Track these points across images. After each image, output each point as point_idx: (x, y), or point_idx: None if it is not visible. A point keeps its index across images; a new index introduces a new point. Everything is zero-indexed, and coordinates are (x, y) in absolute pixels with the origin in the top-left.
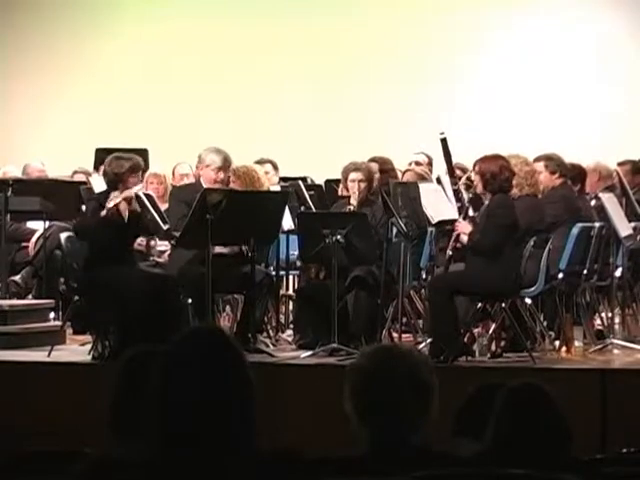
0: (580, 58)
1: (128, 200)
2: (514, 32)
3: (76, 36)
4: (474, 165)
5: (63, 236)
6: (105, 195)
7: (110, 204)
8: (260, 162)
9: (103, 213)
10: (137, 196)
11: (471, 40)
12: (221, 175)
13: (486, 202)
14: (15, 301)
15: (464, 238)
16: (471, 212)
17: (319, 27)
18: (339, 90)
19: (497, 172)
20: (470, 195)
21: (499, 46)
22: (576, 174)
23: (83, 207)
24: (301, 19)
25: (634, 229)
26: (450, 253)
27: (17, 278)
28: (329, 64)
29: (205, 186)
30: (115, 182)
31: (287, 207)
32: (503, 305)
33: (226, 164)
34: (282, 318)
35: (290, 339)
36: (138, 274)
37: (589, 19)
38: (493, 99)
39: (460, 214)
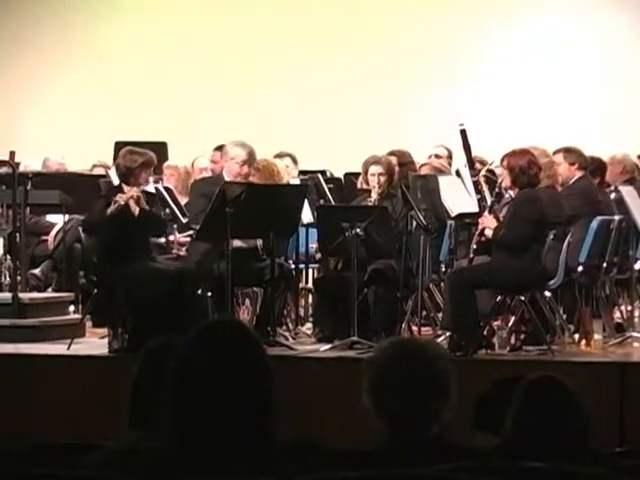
0: (594, 52)
1: (135, 199)
2: (533, 27)
3: (92, 27)
4: (502, 160)
5: None
6: (116, 190)
7: (116, 203)
8: (279, 155)
9: (110, 209)
10: (156, 190)
11: (489, 36)
12: (245, 169)
13: (507, 195)
14: (35, 294)
15: (489, 232)
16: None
17: (339, 20)
18: (359, 84)
19: (526, 167)
20: (496, 190)
21: (517, 41)
22: (596, 167)
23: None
24: (320, 11)
25: None
26: (474, 247)
27: (37, 271)
28: (350, 57)
29: (228, 179)
30: (127, 176)
31: (306, 200)
32: (523, 298)
33: (251, 158)
34: (301, 311)
35: (309, 332)
36: (156, 267)
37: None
38: (511, 94)
39: (480, 207)
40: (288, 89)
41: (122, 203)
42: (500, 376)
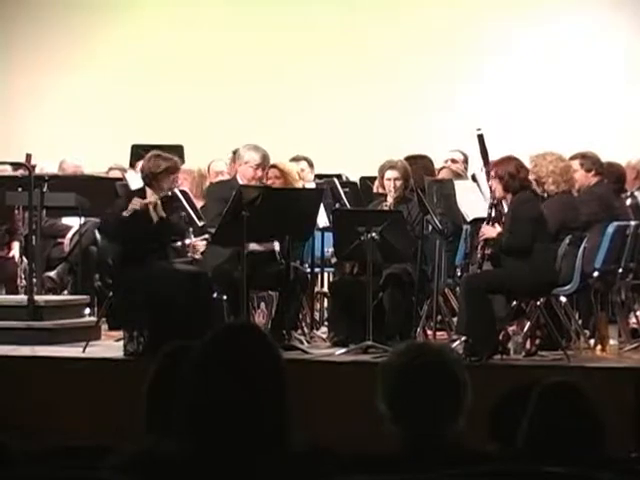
0: (608, 57)
1: (153, 206)
2: (547, 30)
3: (109, 28)
4: (488, 171)
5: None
6: (137, 193)
7: (130, 207)
8: (296, 159)
9: (125, 214)
10: (173, 194)
11: (503, 39)
12: (259, 172)
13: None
14: (50, 297)
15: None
16: (494, 214)
17: (352, 25)
18: (374, 88)
19: (514, 172)
20: (490, 201)
21: (528, 45)
22: (613, 172)
23: None
24: (335, 17)
25: None
26: (480, 260)
27: (52, 274)
28: (364, 62)
29: (242, 183)
30: (150, 180)
31: (322, 204)
32: (538, 303)
33: (265, 162)
34: (317, 315)
35: (324, 336)
36: (172, 270)
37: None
38: (520, 98)
39: (495, 212)
40: (305, 93)
41: (137, 208)
42: (514, 383)
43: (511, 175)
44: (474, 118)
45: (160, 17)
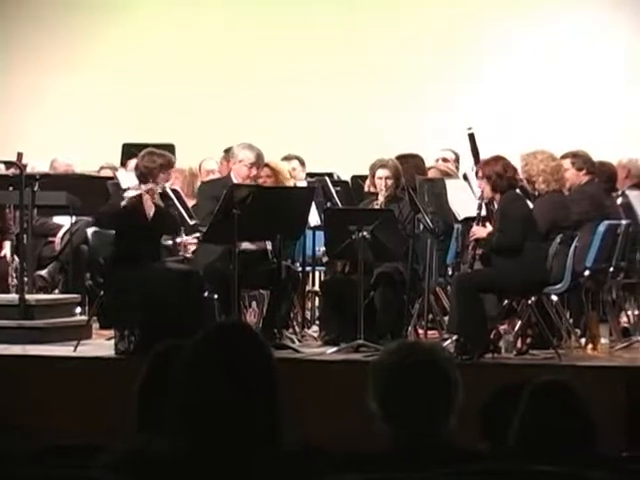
0: (608, 57)
1: (151, 194)
2: (547, 30)
3: (99, 28)
4: (477, 172)
5: (90, 231)
6: None
7: (130, 194)
8: (287, 158)
9: (123, 203)
10: (164, 192)
11: (500, 39)
12: (254, 171)
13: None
14: (41, 296)
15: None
16: (484, 213)
17: (346, 24)
18: (374, 88)
19: (502, 172)
20: (479, 202)
21: (527, 45)
22: (604, 171)
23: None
24: (328, 15)
25: None
26: (471, 260)
27: (44, 273)
28: (357, 60)
29: (236, 181)
30: (145, 176)
31: (313, 203)
32: (529, 302)
33: (259, 160)
34: (308, 314)
35: (316, 335)
36: (163, 270)
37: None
38: (519, 98)
39: (487, 211)
40: (296, 91)
41: (137, 193)
42: (505, 382)
43: (498, 175)
44: (474, 118)
45: (160, 17)
